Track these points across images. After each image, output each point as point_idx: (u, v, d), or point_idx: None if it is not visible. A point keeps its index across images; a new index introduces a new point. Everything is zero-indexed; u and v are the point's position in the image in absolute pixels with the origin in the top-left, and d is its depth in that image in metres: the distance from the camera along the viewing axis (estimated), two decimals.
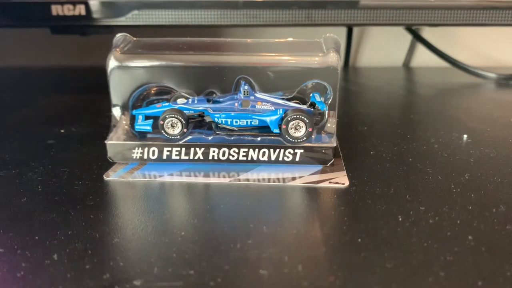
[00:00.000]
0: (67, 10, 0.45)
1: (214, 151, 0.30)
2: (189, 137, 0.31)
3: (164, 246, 0.22)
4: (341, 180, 0.29)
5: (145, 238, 0.23)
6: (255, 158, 0.30)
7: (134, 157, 0.31)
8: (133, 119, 0.31)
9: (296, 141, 0.30)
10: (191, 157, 0.31)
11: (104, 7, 0.45)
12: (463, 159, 0.32)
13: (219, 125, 0.31)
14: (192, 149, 0.30)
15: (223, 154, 0.30)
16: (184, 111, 0.30)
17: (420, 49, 0.67)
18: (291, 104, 0.31)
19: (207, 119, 0.31)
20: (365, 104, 0.50)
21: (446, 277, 0.20)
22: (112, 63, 0.30)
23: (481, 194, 0.27)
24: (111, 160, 0.31)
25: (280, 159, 0.30)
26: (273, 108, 0.30)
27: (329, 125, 0.31)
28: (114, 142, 0.31)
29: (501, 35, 0.67)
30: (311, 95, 0.32)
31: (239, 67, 0.30)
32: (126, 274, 0.20)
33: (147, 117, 0.31)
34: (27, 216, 0.25)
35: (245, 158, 0.30)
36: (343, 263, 0.21)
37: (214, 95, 0.31)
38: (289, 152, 0.30)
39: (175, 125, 0.30)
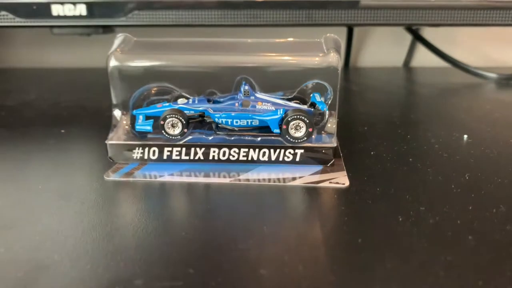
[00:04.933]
0: (68, 10, 0.46)
1: (214, 151, 0.30)
2: (190, 137, 0.31)
3: (164, 246, 0.22)
4: (342, 180, 0.29)
5: (146, 238, 0.23)
6: (255, 158, 0.30)
7: (135, 157, 0.31)
8: (133, 119, 0.31)
9: (296, 141, 0.30)
10: (192, 157, 0.31)
11: (104, 7, 0.45)
12: (463, 159, 0.32)
13: (219, 125, 0.31)
14: (193, 149, 0.30)
15: (224, 154, 0.30)
16: (185, 111, 0.30)
17: (420, 49, 0.67)
18: (292, 104, 0.31)
19: (208, 119, 0.31)
20: (365, 104, 0.50)
21: (446, 277, 0.20)
22: (112, 63, 0.30)
23: (481, 194, 0.27)
24: (111, 160, 0.31)
25: (281, 159, 0.30)
26: (273, 108, 0.30)
27: (329, 125, 0.31)
28: (114, 142, 0.31)
29: (501, 35, 0.67)
30: (311, 95, 0.32)
31: (239, 67, 0.30)
32: (127, 274, 0.20)
33: (147, 117, 0.31)
34: (27, 216, 0.25)
35: (245, 158, 0.30)
36: (343, 263, 0.21)
37: (215, 95, 0.32)
38: (290, 152, 0.30)
39: (175, 125, 0.30)
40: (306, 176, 0.29)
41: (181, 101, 0.31)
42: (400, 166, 0.31)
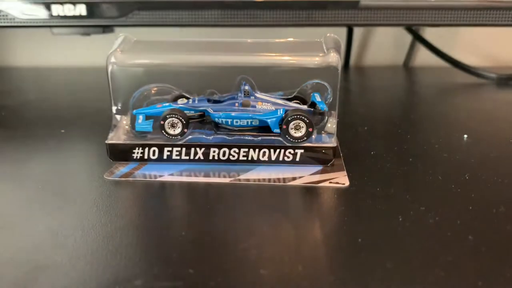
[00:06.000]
0: (67, 10, 0.45)
1: (214, 151, 0.30)
2: (190, 137, 0.31)
3: (164, 246, 0.22)
4: (342, 180, 0.29)
5: (145, 238, 0.23)
6: (255, 158, 0.30)
7: (135, 157, 0.31)
8: (133, 119, 0.31)
9: (296, 141, 0.30)
10: (192, 157, 0.31)
11: (104, 7, 0.45)
12: (463, 159, 0.32)
13: (219, 125, 0.31)
14: (193, 149, 0.30)
15: (224, 154, 0.30)
16: (185, 111, 0.30)
17: (420, 49, 0.67)
18: (292, 104, 0.31)
19: (208, 119, 0.31)
20: (365, 104, 0.50)
21: (446, 277, 0.20)
22: (112, 63, 0.30)
23: (481, 194, 0.27)
24: (111, 160, 0.31)
25: (281, 159, 0.30)
26: (273, 108, 0.30)
27: (329, 125, 0.31)
28: (114, 142, 0.31)
29: (501, 35, 0.67)
30: (311, 95, 0.32)
31: (239, 67, 0.30)
32: (127, 274, 0.20)
33: (147, 117, 0.31)
34: (27, 216, 0.25)
35: (245, 158, 0.30)
36: (343, 263, 0.21)
37: (215, 95, 0.32)
38: (290, 152, 0.30)
39: (175, 125, 0.30)
40: (306, 176, 0.29)
41: (181, 101, 0.31)
42: (400, 166, 0.31)
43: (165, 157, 0.31)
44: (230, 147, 0.30)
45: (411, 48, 0.68)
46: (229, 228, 0.24)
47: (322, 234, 0.23)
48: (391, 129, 0.39)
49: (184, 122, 0.30)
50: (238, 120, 0.30)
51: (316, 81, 0.30)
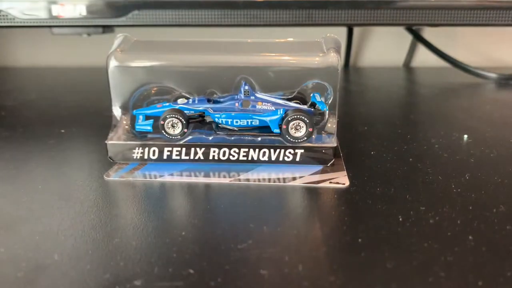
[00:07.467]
0: (67, 10, 0.45)
1: (214, 151, 0.30)
2: (190, 137, 0.31)
3: (164, 246, 0.22)
4: (342, 180, 0.29)
5: (146, 238, 0.23)
6: (255, 158, 0.30)
7: (135, 157, 0.31)
8: (133, 119, 0.31)
9: (296, 141, 0.30)
10: (192, 157, 0.31)
11: (104, 7, 0.45)
12: (463, 159, 0.32)
13: (219, 125, 0.31)
14: (193, 149, 0.30)
15: (224, 154, 0.30)
16: (185, 111, 0.30)
17: (420, 49, 0.67)
18: (292, 104, 0.31)
19: (208, 119, 0.31)
20: (365, 104, 0.50)
21: (446, 277, 0.20)
22: (112, 63, 0.30)
23: (481, 194, 0.27)
24: (111, 160, 0.31)
25: (281, 159, 0.30)
26: (273, 108, 0.30)
27: (329, 125, 0.31)
28: (114, 142, 0.31)
29: (501, 35, 0.67)
30: (311, 95, 0.32)
31: (239, 67, 0.30)
32: (127, 274, 0.20)
33: (147, 117, 0.31)
34: (27, 216, 0.25)
35: (245, 158, 0.30)
36: (343, 263, 0.21)
37: (215, 95, 0.32)
38: (290, 152, 0.30)
39: (175, 125, 0.30)
40: (306, 176, 0.29)
41: (181, 101, 0.31)
42: (400, 166, 0.31)
43: (165, 157, 0.31)
44: (230, 147, 0.30)
45: (411, 48, 0.68)
46: (229, 228, 0.24)
47: (322, 234, 0.23)
48: (391, 129, 0.39)
49: (184, 122, 0.30)
50: (238, 120, 0.30)
51: (316, 81, 0.30)
